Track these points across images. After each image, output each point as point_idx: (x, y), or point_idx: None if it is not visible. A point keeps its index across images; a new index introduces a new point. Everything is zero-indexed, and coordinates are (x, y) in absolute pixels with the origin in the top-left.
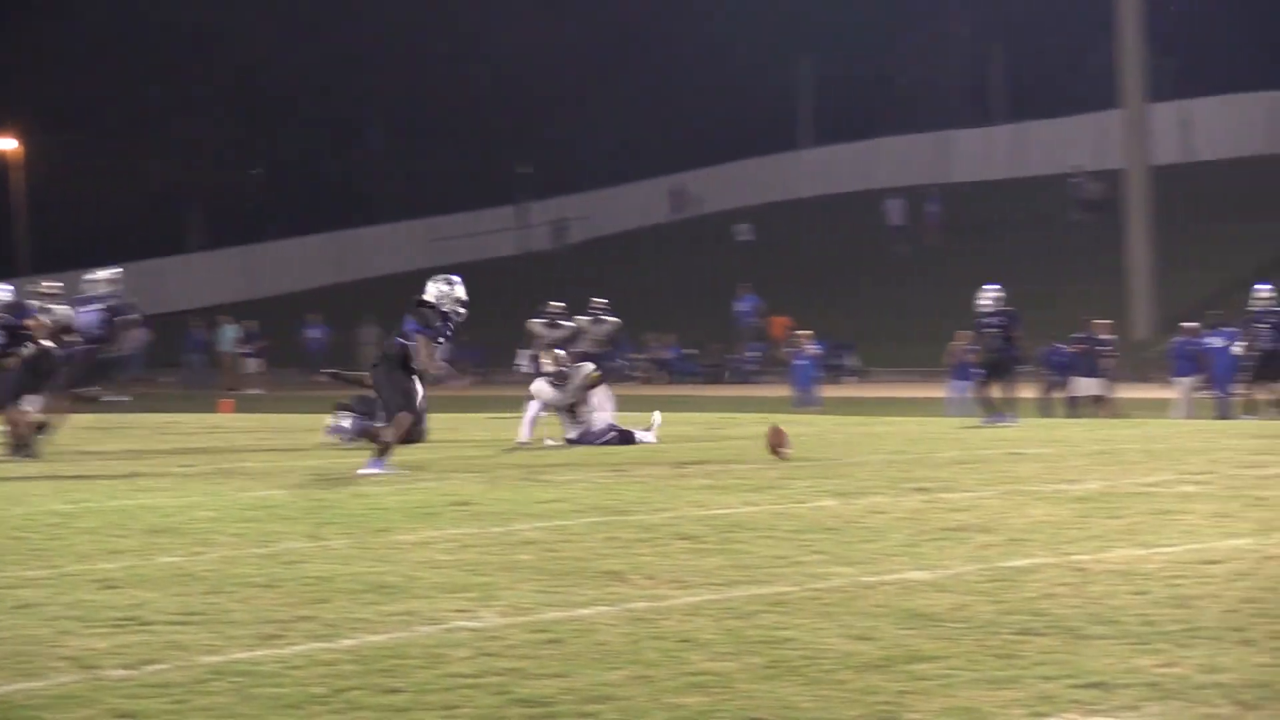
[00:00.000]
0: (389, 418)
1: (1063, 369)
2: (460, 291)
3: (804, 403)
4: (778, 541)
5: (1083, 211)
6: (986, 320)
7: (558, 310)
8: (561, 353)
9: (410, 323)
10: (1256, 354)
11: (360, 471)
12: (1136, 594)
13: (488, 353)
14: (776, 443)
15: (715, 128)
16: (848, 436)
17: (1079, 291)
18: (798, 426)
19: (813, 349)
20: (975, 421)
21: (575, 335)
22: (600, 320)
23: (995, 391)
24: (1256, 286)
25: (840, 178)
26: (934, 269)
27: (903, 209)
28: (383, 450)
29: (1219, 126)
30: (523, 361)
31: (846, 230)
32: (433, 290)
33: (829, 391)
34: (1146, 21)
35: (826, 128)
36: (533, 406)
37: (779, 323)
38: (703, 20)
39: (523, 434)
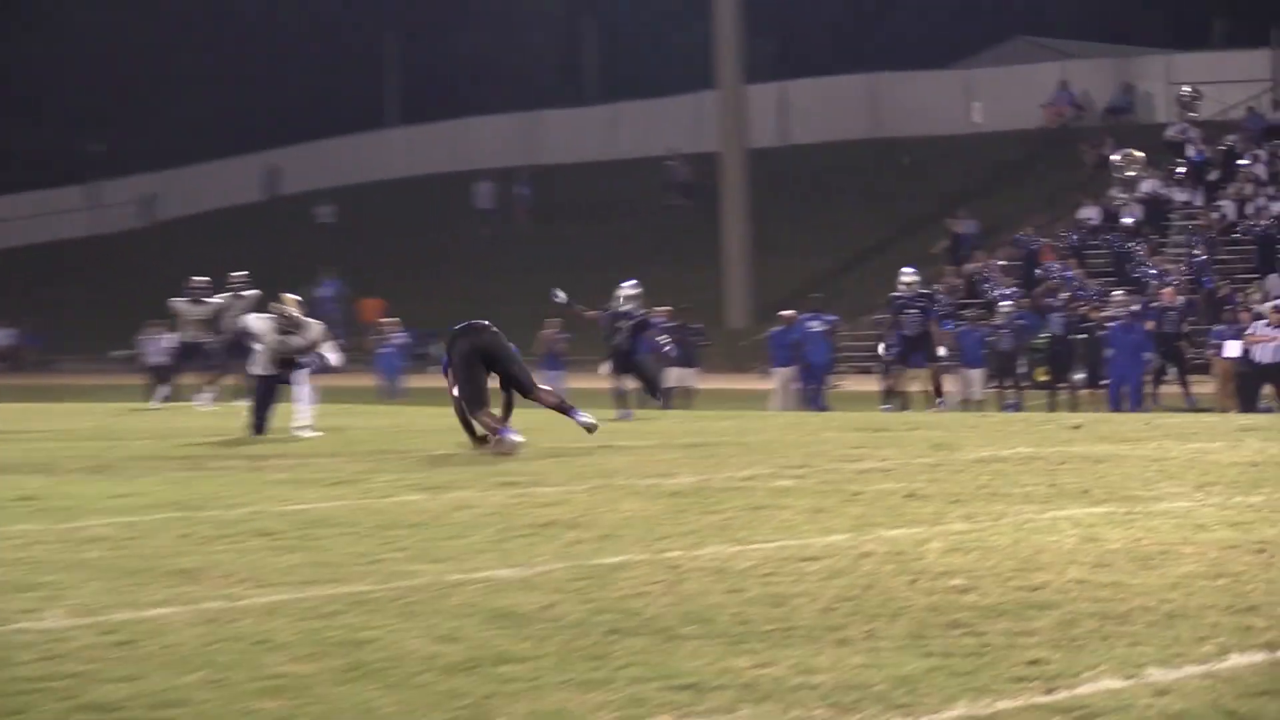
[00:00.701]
0: None
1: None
2: None
3: (390, 393)
4: (359, 538)
5: (678, 196)
6: (904, 302)
7: (201, 286)
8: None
9: None
10: (901, 340)
11: None
12: (730, 592)
13: (60, 338)
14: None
15: (306, 104)
16: (435, 428)
17: (674, 278)
18: (382, 419)
19: (399, 337)
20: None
21: (219, 312)
22: (240, 295)
23: (927, 381)
24: (902, 270)
25: (429, 158)
26: (523, 254)
27: (491, 192)
28: None
29: (816, 110)
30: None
31: (435, 213)
32: None
33: (415, 381)
34: (743, 1)
35: (415, 107)
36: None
37: (369, 307)
38: None
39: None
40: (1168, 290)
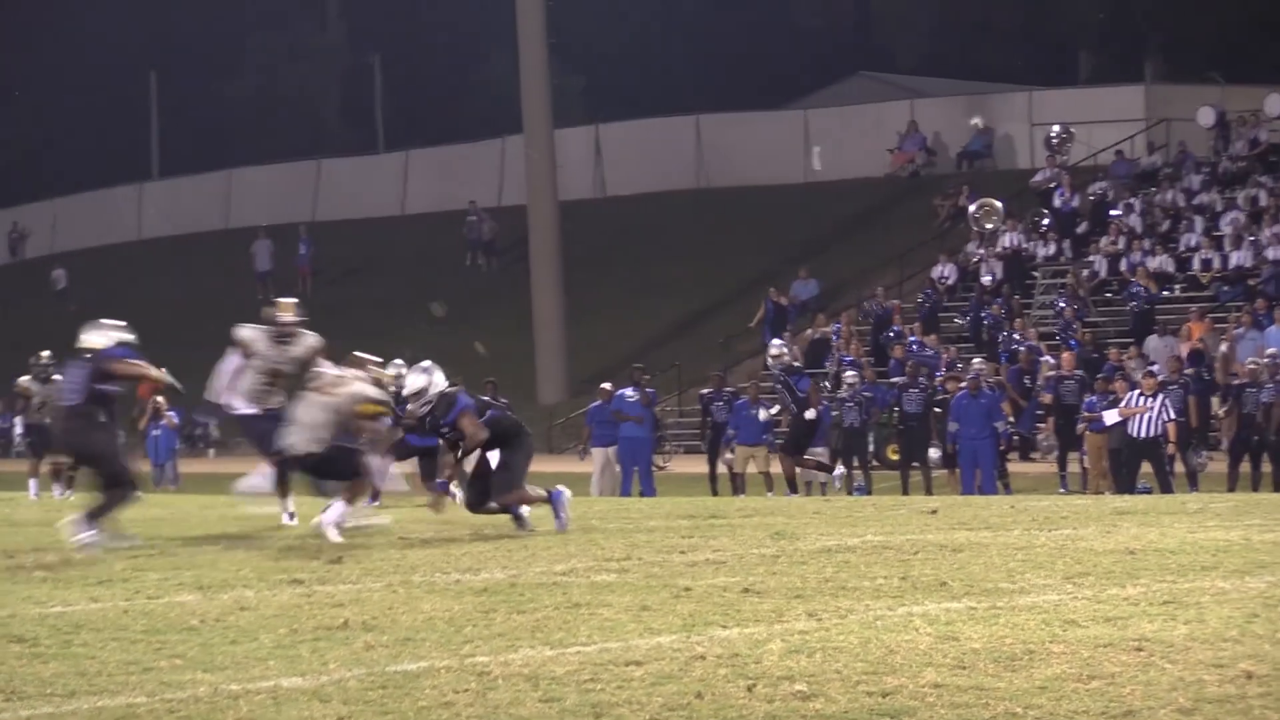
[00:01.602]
0: None
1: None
2: None
3: (159, 479)
4: (128, 644)
5: (480, 255)
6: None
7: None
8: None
9: None
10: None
11: None
12: (546, 701)
13: None
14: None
15: (60, 157)
16: (209, 519)
17: (495, 347)
18: (152, 508)
19: (170, 417)
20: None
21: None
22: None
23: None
24: (772, 343)
25: (193, 214)
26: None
27: (270, 251)
28: None
29: (634, 156)
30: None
31: (201, 275)
32: None
33: (188, 466)
34: (549, 34)
35: (177, 157)
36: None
37: (144, 385)
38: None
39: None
40: (1066, 356)
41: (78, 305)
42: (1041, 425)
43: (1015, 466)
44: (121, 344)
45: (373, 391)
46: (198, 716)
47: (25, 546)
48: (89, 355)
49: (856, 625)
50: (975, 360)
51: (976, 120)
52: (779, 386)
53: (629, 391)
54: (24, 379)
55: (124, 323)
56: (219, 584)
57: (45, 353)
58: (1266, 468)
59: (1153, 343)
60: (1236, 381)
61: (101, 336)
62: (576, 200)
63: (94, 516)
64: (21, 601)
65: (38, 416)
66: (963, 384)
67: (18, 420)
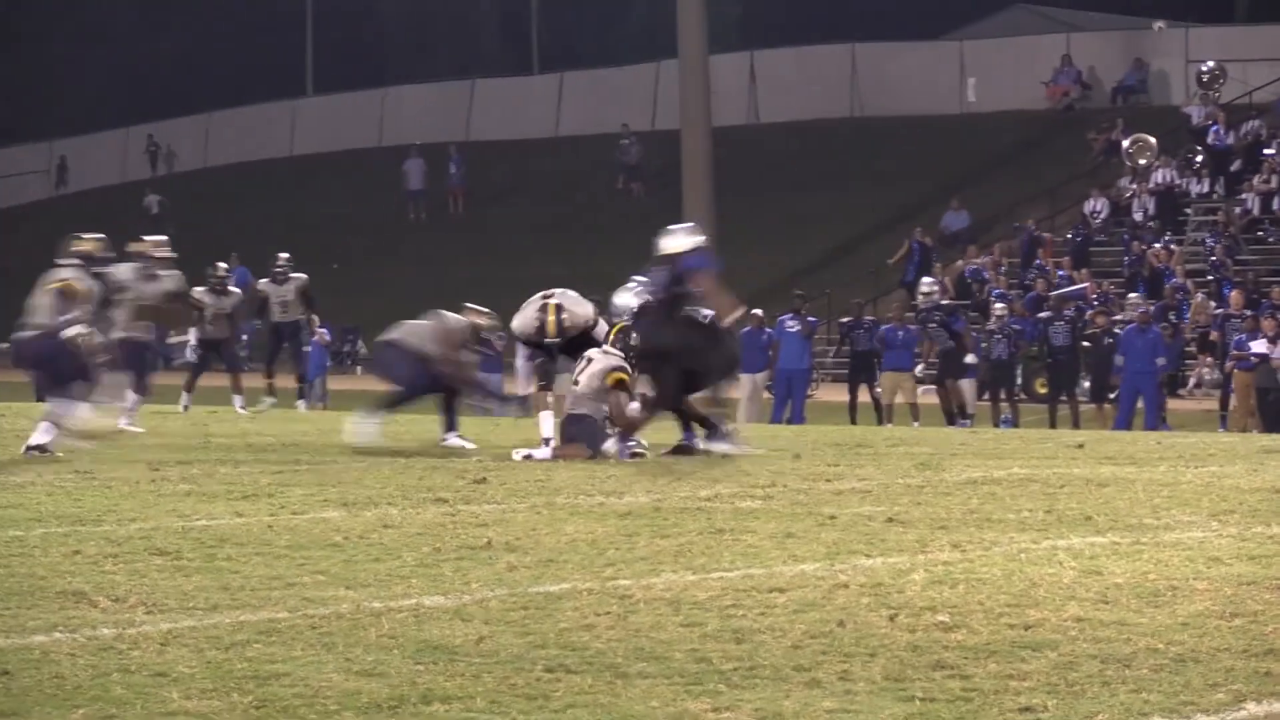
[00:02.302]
0: None
1: None
2: None
3: (308, 395)
4: (271, 559)
5: (629, 179)
6: (925, 316)
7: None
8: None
9: None
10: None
11: None
12: (687, 626)
13: None
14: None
15: (213, 71)
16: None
17: (624, 274)
18: (298, 424)
19: (323, 333)
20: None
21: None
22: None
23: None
24: (922, 281)
25: (347, 131)
26: (457, 241)
27: (422, 170)
28: None
29: (788, 84)
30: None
31: (353, 193)
32: None
33: (337, 383)
34: None
35: (331, 73)
36: None
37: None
38: None
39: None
40: (1235, 295)
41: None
42: (1192, 362)
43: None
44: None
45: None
46: (340, 632)
47: (171, 460)
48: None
49: (1000, 557)
50: (1132, 295)
51: (1159, 24)
52: (933, 325)
53: (789, 319)
54: (198, 289)
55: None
56: (363, 501)
57: (221, 265)
58: None
59: None
60: None
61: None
62: (729, 126)
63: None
64: (166, 515)
65: (211, 330)
66: (1117, 318)
67: (192, 331)
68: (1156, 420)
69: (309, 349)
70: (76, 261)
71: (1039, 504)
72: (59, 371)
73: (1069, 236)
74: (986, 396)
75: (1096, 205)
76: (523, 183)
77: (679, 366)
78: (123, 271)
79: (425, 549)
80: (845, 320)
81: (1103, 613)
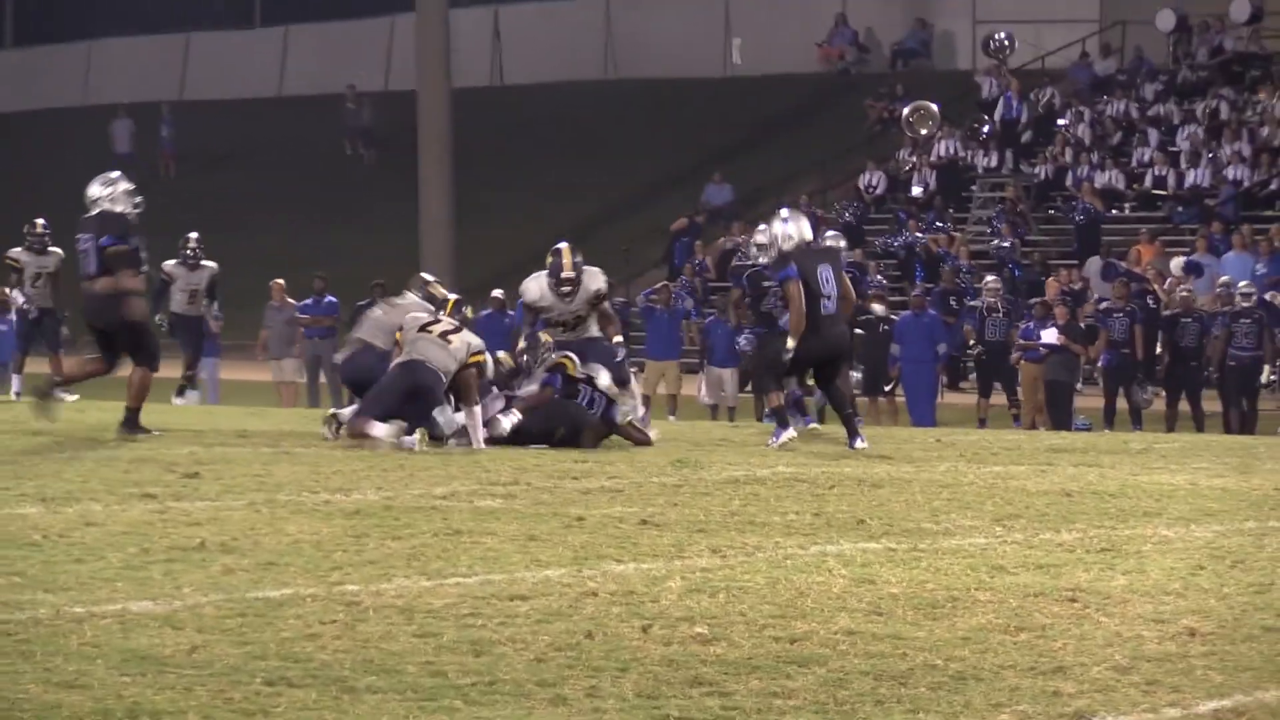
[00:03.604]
0: None
1: None
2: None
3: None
4: None
5: (362, 143)
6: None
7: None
8: None
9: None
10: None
11: None
12: (421, 636)
13: None
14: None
15: None
16: (58, 425)
17: (354, 246)
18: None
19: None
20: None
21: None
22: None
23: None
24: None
25: (48, 89)
26: (169, 210)
27: (130, 132)
28: None
29: (537, 42)
30: None
31: (58, 156)
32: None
33: (35, 366)
34: None
35: (30, 23)
36: None
37: None
38: None
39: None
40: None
41: None
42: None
43: (945, 398)
44: None
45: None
46: (38, 640)
47: None
48: None
49: (764, 564)
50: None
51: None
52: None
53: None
54: (15, 250)
55: None
56: (63, 496)
57: (40, 220)
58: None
59: (1094, 265)
60: (1169, 313)
61: None
62: (471, 88)
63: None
64: None
65: (34, 295)
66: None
67: (14, 295)
68: (931, 416)
69: (3, 327)
70: None
71: (806, 506)
72: None
73: (842, 213)
74: (749, 389)
75: (872, 179)
76: (243, 147)
77: None
78: None
79: (132, 549)
80: None
81: (876, 625)
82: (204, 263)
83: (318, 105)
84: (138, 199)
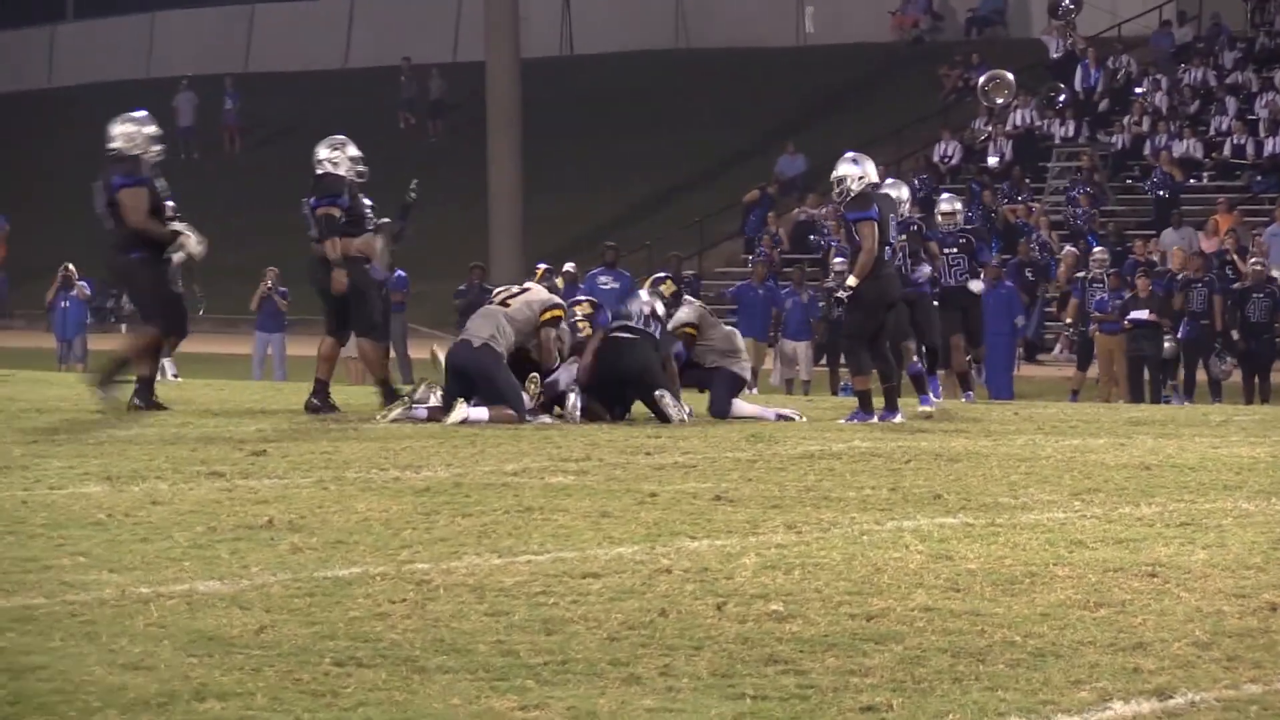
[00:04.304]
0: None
1: None
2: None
3: (66, 356)
4: (25, 539)
5: (432, 115)
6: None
7: None
8: None
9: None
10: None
11: None
12: (492, 615)
13: None
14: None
15: None
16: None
17: (425, 224)
18: (55, 388)
19: (82, 287)
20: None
21: None
22: None
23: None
24: (942, 198)
25: (111, 61)
26: (233, 184)
27: (194, 105)
28: None
29: (607, 12)
30: None
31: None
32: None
33: (98, 342)
34: None
35: None
36: None
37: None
38: None
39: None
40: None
41: None
42: (1055, 324)
43: (1022, 370)
44: None
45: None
46: (103, 621)
47: None
48: None
49: (840, 540)
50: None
51: None
52: (952, 251)
53: (602, 274)
54: None
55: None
56: (129, 475)
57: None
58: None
59: (1169, 236)
60: (1237, 286)
61: None
62: (540, 59)
63: None
64: None
65: None
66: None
67: None
68: (1009, 389)
69: (66, 304)
70: None
71: (883, 480)
72: None
73: (915, 184)
74: (824, 362)
75: (947, 149)
76: (308, 120)
77: None
78: None
79: (199, 528)
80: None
81: (953, 601)
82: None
83: (384, 77)
84: (361, 168)
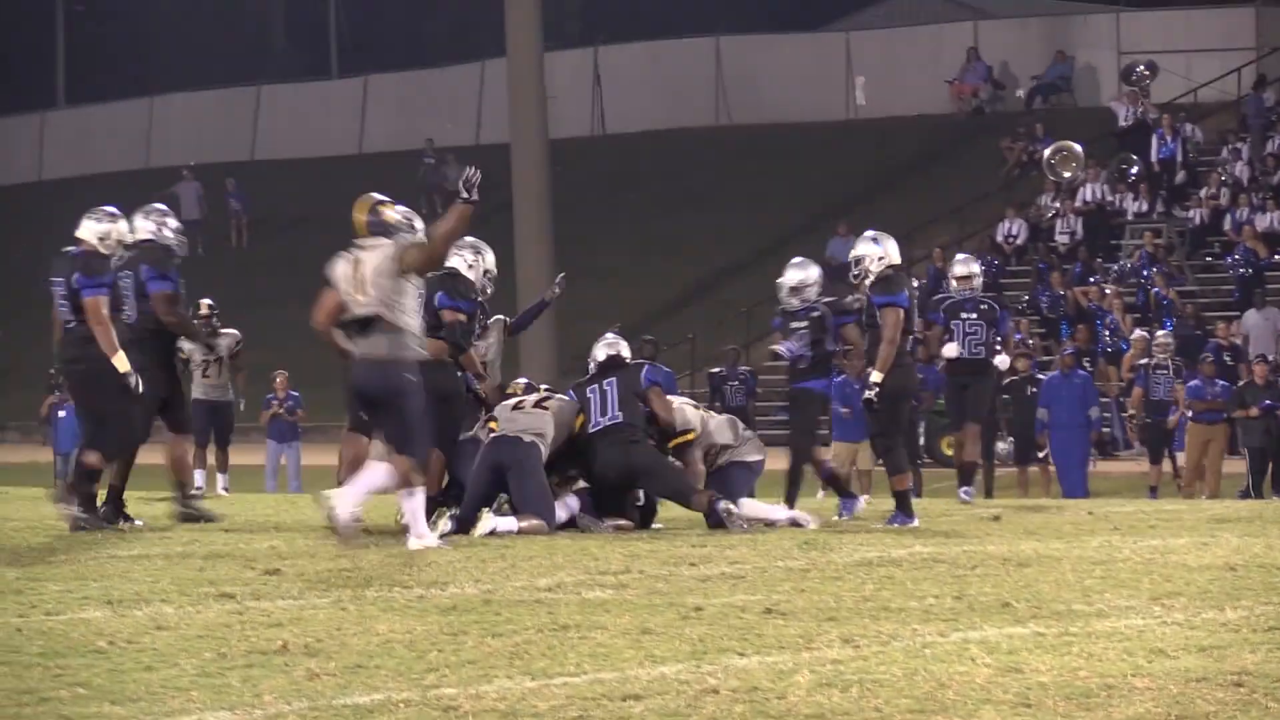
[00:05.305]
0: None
1: None
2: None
3: (64, 470)
4: (20, 670)
5: (441, 203)
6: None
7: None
8: None
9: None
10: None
11: None
12: None
13: None
14: None
15: None
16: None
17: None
18: (48, 505)
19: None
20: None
21: None
22: None
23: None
24: (956, 258)
25: (107, 150)
26: (241, 279)
27: (199, 195)
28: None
29: (639, 86)
30: None
31: None
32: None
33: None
34: None
35: (87, 81)
36: None
37: None
38: None
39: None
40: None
41: None
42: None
43: (1095, 466)
44: None
45: None
46: None
47: None
48: None
49: (900, 654)
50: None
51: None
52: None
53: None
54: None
55: None
56: (132, 598)
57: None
58: None
59: (1251, 318)
60: None
61: None
62: (569, 138)
63: None
64: None
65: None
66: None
67: None
68: (1083, 486)
69: (63, 414)
70: None
71: (947, 589)
72: None
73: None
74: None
75: (1012, 228)
76: (320, 209)
77: None
78: None
79: (208, 654)
80: (715, 371)
81: (1024, 718)
82: (223, 330)
83: (402, 161)
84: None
